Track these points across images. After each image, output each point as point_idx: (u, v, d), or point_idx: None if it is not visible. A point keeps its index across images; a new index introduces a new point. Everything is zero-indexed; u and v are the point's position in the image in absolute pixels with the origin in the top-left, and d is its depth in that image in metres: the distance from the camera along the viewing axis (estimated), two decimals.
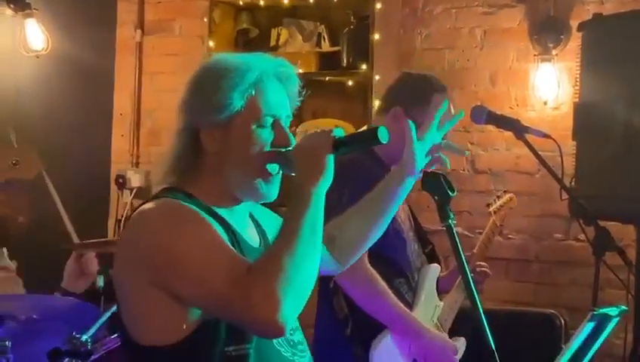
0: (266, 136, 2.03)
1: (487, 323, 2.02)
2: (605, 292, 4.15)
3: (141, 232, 1.95)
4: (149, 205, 1.99)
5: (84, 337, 3.07)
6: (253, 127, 2.01)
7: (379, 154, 3.12)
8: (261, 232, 2.19)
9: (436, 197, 2.09)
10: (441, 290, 3.33)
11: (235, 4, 5.39)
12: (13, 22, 4.97)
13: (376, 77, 4.84)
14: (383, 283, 2.97)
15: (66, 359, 3.04)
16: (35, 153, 2.83)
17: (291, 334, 2.08)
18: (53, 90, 5.25)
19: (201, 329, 1.91)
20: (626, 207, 3.79)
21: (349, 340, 3.05)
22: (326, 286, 3.06)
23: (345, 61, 5.03)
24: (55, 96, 5.26)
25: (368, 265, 2.91)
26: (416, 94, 3.17)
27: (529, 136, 3.35)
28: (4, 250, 3.26)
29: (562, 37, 4.75)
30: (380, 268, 2.97)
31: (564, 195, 3.54)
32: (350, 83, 5.14)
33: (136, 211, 2.01)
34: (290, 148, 2.02)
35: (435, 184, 2.09)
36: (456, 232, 2.08)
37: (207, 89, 2.02)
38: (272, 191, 2.06)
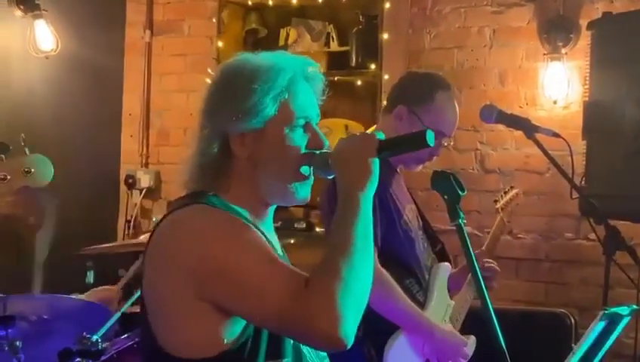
0: (299, 139, 1.98)
1: (498, 323, 2.01)
2: (616, 292, 4.12)
3: (186, 242, 1.86)
4: (186, 212, 1.91)
5: (94, 337, 3.08)
6: (287, 130, 1.97)
7: None
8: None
9: (446, 197, 2.08)
10: (451, 289, 3.32)
11: (244, 4, 5.40)
12: (22, 23, 4.98)
13: (385, 76, 4.84)
14: (394, 284, 2.97)
15: (77, 359, 3.05)
16: (48, 161, 2.83)
17: None
18: (63, 91, 5.26)
19: (242, 344, 1.86)
20: (636, 206, 3.78)
21: (360, 341, 3.03)
22: None
23: (354, 61, 5.03)
24: (64, 97, 5.27)
25: (379, 266, 2.90)
26: (419, 92, 3.17)
27: (539, 136, 3.34)
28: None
29: (572, 36, 4.74)
30: (389, 268, 2.97)
31: (575, 194, 3.53)
32: (359, 83, 5.14)
33: (172, 217, 1.93)
34: (324, 151, 1.99)
35: (445, 183, 2.08)
36: (466, 232, 2.07)
37: (238, 94, 1.95)
38: (307, 193, 2.01)
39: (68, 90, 5.29)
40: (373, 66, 4.94)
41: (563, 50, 4.74)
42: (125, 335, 3.36)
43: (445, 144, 3.22)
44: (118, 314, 3.32)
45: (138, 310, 3.74)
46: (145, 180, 5.62)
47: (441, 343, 3.09)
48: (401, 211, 3.14)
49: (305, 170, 1.99)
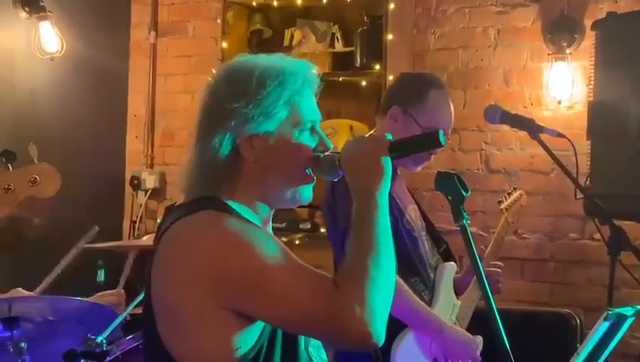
0: (308, 142, 1.99)
1: (503, 323, 2.01)
2: (621, 292, 4.13)
3: (203, 250, 1.82)
4: (199, 219, 1.88)
5: (99, 338, 3.08)
6: (296, 134, 1.97)
7: None
8: None
9: (450, 197, 2.07)
10: (457, 290, 3.32)
11: (249, 5, 5.40)
12: (27, 24, 4.99)
13: (390, 77, 4.83)
14: (403, 283, 2.96)
15: (82, 360, 3.05)
16: (55, 171, 2.82)
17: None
18: (68, 92, 5.27)
19: (260, 349, 1.86)
20: None
21: None
22: None
23: (358, 61, 5.03)
24: (69, 98, 5.28)
25: None
26: (412, 92, 3.16)
27: (543, 136, 3.34)
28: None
29: (576, 36, 4.74)
30: None
31: (579, 195, 3.52)
32: (364, 83, 5.14)
33: (184, 224, 1.89)
34: (330, 153, 1.99)
35: (449, 184, 2.07)
36: (471, 232, 2.07)
37: (249, 96, 1.92)
38: (310, 194, 2.02)
39: (73, 91, 5.30)
40: (377, 67, 4.94)
41: (567, 50, 4.73)
42: (130, 336, 3.36)
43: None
44: (122, 316, 3.32)
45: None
46: (150, 181, 5.63)
47: (450, 342, 3.08)
48: (402, 211, 3.14)
49: (309, 172, 1.99)
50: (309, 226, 5.08)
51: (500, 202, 3.60)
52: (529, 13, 4.92)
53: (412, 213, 3.22)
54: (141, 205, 5.65)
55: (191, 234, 1.87)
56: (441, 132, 1.95)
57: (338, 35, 5.18)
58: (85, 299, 3.31)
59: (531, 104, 4.88)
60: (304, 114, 1.98)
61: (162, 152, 5.76)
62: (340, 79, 5.09)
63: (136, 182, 5.62)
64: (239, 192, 1.96)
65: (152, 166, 5.75)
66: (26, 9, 4.95)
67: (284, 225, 4.96)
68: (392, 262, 1.86)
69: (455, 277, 3.36)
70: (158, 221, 5.27)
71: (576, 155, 3.48)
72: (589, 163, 3.95)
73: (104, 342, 3.09)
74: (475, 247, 2.05)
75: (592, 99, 4.01)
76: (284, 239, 2.36)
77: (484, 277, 2.06)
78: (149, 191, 5.63)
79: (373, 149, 1.93)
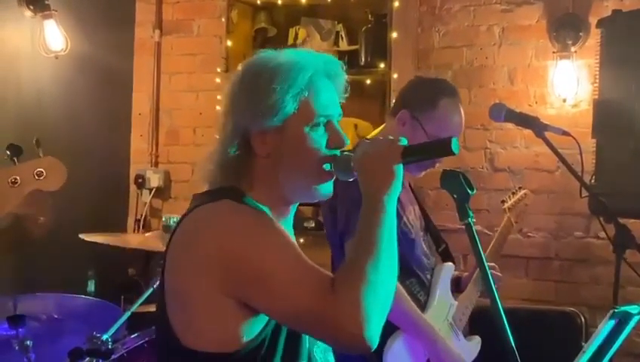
0: (320, 137, 1.99)
1: (508, 321, 2.01)
2: (626, 290, 4.12)
3: (214, 238, 1.86)
4: (215, 207, 1.92)
5: (104, 336, 3.09)
6: (307, 129, 1.97)
7: None
8: None
9: (455, 196, 2.08)
10: (463, 289, 3.31)
11: (253, 3, 5.40)
12: (32, 23, 4.99)
13: (395, 75, 4.84)
14: (400, 287, 2.94)
15: (87, 358, 3.06)
16: (61, 164, 2.82)
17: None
18: (72, 91, 5.27)
19: (260, 343, 1.87)
20: None
21: None
22: None
23: (363, 60, 5.03)
24: (74, 97, 5.28)
25: None
26: (423, 98, 3.14)
27: (548, 134, 3.33)
28: None
29: (581, 34, 4.73)
30: None
31: (584, 193, 3.52)
32: (368, 81, 5.13)
33: (200, 212, 1.93)
34: (346, 153, 2.00)
35: (454, 182, 2.07)
36: (476, 231, 2.07)
37: (259, 91, 1.95)
38: (330, 189, 2.03)
39: (77, 90, 5.30)
40: (382, 65, 4.94)
41: (572, 49, 4.73)
42: (135, 335, 3.37)
43: None
44: (128, 314, 3.33)
45: (147, 310, 3.76)
46: (154, 180, 5.63)
47: (439, 354, 3.03)
48: (400, 213, 3.11)
49: (327, 167, 2.00)
50: (313, 225, 5.08)
51: (503, 201, 3.60)
52: (534, 11, 4.92)
53: (411, 214, 3.20)
54: (145, 203, 5.65)
55: (204, 222, 1.91)
56: (454, 140, 1.94)
57: (342, 33, 5.19)
58: None
59: (536, 102, 4.88)
60: (317, 109, 1.99)
61: (167, 151, 5.76)
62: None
63: (140, 180, 5.63)
64: (256, 185, 2.00)
65: (156, 164, 5.75)
66: (31, 8, 4.95)
67: None
68: (392, 268, 1.87)
69: (463, 276, 3.35)
70: (163, 219, 5.30)
71: (581, 154, 3.47)
72: (594, 161, 3.95)
73: (109, 340, 3.10)
74: (480, 245, 2.05)
75: (597, 97, 4.01)
76: None
77: (489, 276, 2.06)
78: (154, 189, 5.63)
79: (387, 153, 1.94)
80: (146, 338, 3.34)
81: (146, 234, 5.00)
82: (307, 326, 1.83)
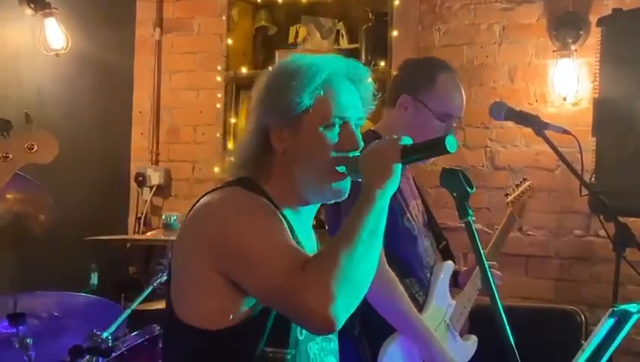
0: (333, 138, 2.04)
1: (507, 320, 2.01)
2: (626, 289, 4.12)
3: (210, 218, 1.97)
4: (221, 192, 2.03)
5: (104, 334, 3.09)
6: (321, 128, 2.03)
7: None
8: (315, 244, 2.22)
9: (455, 194, 2.07)
10: (462, 286, 3.30)
11: (254, 1, 5.40)
12: (33, 21, 5.00)
13: (395, 73, 4.83)
14: (400, 287, 2.92)
15: (87, 356, 3.06)
16: (52, 136, 2.82)
17: (328, 341, 2.12)
18: (73, 89, 5.28)
19: (248, 323, 1.94)
20: None
21: (356, 340, 2.97)
22: None
23: (363, 58, 5.02)
24: (75, 95, 5.28)
25: (387, 266, 2.85)
26: (420, 77, 3.09)
27: (548, 132, 3.33)
28: None
29: (581, 32, 4.73)
30: (390, 266, 2.91)
31: (584, 191, 3.52)
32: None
33: (208, 196, 2.04)
34: (357, 154, 2.03)
35: (454, 180, 2.07)
36: (476, 229, 2.07)
37: (279, 89, 2.04)
38: (346, 189, 2.07)
39: (78, 88, 5.31)
40: (382, 63, 4.94)
41: (573, 47, 4.73)
42: (135, 333, 3.37)
43: (455, 125, 3.15)
44: (128, 311, 3.33)
45: (148, 308, 3.77)
46: (155, 178, 5.63)
47: (434, 356, 3.00)
48: (404, 208, 3.09)
49: (342, 168, 2.04)
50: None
51: (507, 195, 3.58)
52: (534, 10, 4.92)
53: (414, 209, 3.17)
54: (146, 201, 5.65)
55: (205, 204, 2.02)
56: (449, 137, 1.96)
57: (343, 31, 5.19)
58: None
59: (536, 101, 4.88)
60: (333, 109, 2.04)
61: (167, 149, 5.76)
62: None
63: (141, 178, 5.63)
64: (272, 180, 2.07)
65: (157, 162, 5.75)
66: (32, 6, 4.95)
67: None
68: (369, 258, 1.90)
69: (461, 271, 3.33)
70: (163, 217, 5.31)
71: (581, 152, 3.47)
72: (594, 160, 3.95)
73: (109, 337, 3.10)
74: (480, 244, 2.05)
75: (597, 95, 4.01)
76: None
77: (489, 274, 2.05)
78: (154, 187, 5.64)
79: (386, 152, 1.97)
80: (147, 336, 3.34)
81: (148, 234, 5.01)
82: (277, 302, 1.89)
